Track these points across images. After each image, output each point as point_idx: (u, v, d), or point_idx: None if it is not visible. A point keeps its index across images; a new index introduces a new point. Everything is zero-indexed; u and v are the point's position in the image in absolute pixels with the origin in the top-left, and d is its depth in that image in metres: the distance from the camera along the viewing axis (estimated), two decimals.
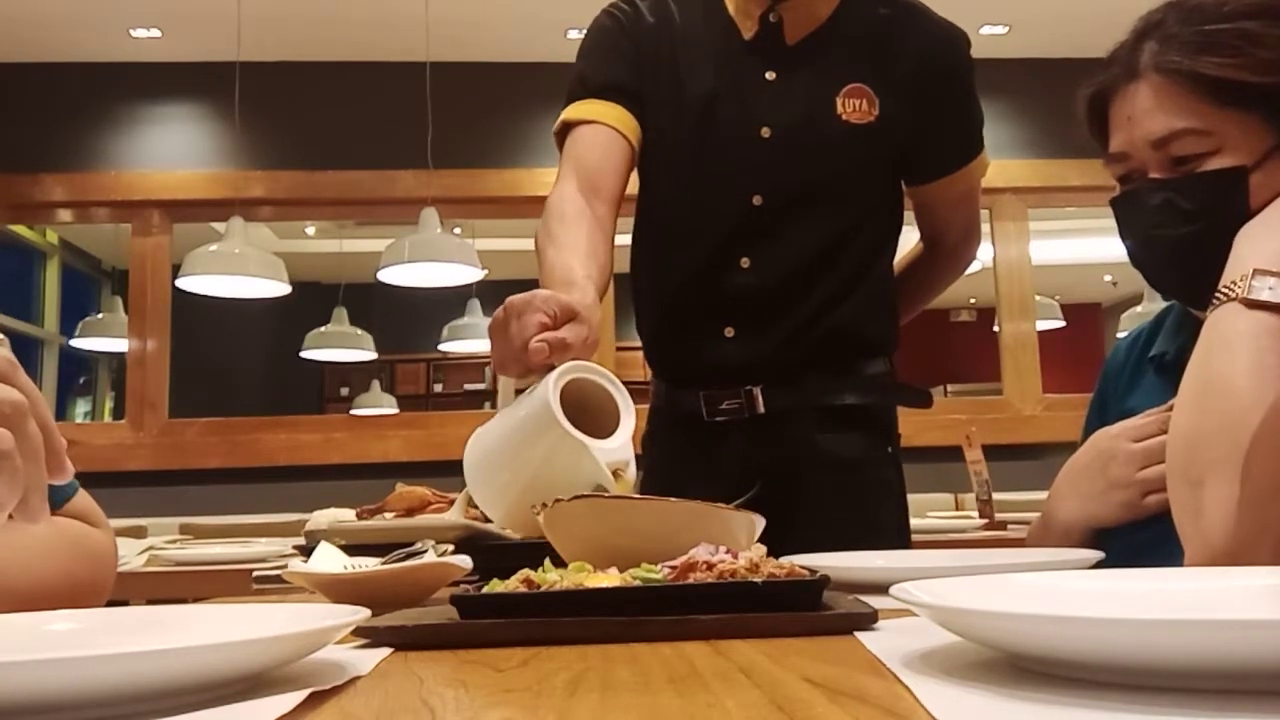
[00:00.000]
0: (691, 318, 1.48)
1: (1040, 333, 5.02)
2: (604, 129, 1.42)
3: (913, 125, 1.46)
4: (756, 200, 1.43)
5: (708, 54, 1.47)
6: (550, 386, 0.96)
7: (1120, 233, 1.05)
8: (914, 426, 1.51)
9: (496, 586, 0.74)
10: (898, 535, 1.46)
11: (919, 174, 1.53)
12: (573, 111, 1.44)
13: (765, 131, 1.43)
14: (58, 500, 1.00)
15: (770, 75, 1.45)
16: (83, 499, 1.03)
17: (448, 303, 6.13)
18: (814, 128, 1.43)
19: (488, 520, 1.19)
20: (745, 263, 1.43)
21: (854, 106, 1.44)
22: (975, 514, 3.15)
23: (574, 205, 1.35)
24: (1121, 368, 1.20)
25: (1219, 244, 0.92)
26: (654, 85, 1.46)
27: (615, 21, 1.50)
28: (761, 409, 1.42)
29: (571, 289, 1.14)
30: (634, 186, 1.50)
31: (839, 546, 1.12)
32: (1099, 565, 0.93)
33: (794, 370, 1.44)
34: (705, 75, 1.46)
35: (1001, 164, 4.99)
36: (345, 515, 1.27)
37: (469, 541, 1.10)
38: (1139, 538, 1.01)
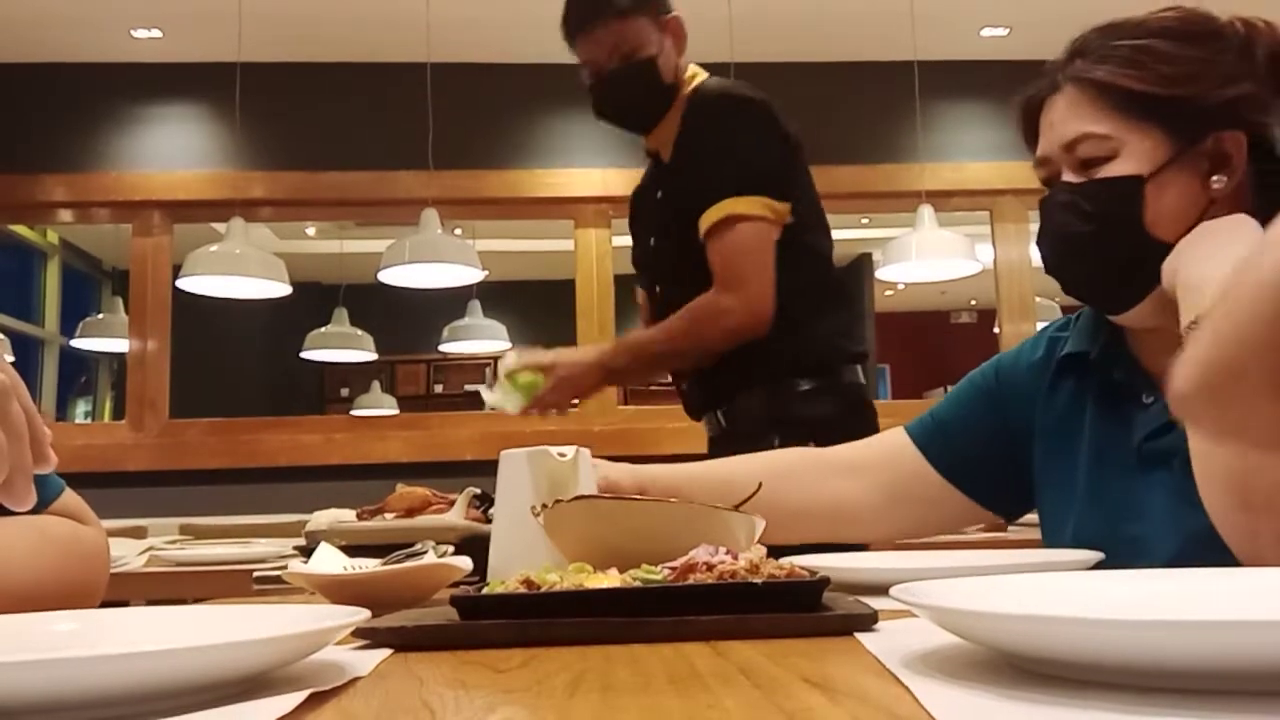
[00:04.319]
0: None
1: None
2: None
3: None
4: (659, 289, 2.03)
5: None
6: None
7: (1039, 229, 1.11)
8: None
9: (496, 587, 0.74)
10: None
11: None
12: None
13: (651, 240, 2.04)
14: (45, 499, 0.97)
15: (659, 194, 2.00)
16: (70, 497, 1.01)
17: (448, 303, 6.12)
18: (665, 222, 1.98)
19: (488, 521, 1.19)
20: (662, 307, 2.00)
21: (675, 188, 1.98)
22: None
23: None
24: (1027, 369, 1.19)
25: (1113, 245, 1.02)
26: None
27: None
28: (724, 425, 1.93)
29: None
30: None
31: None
32: (1099, 566, 0.93)
33: (740, 393, 1.92)
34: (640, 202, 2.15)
35: (1001, 165, 4.98)
36: (345, 516, 1.27)
37: (469, 542, 1.10)
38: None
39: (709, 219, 1.85)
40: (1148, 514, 1.02)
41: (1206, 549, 0.84)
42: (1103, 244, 1.02)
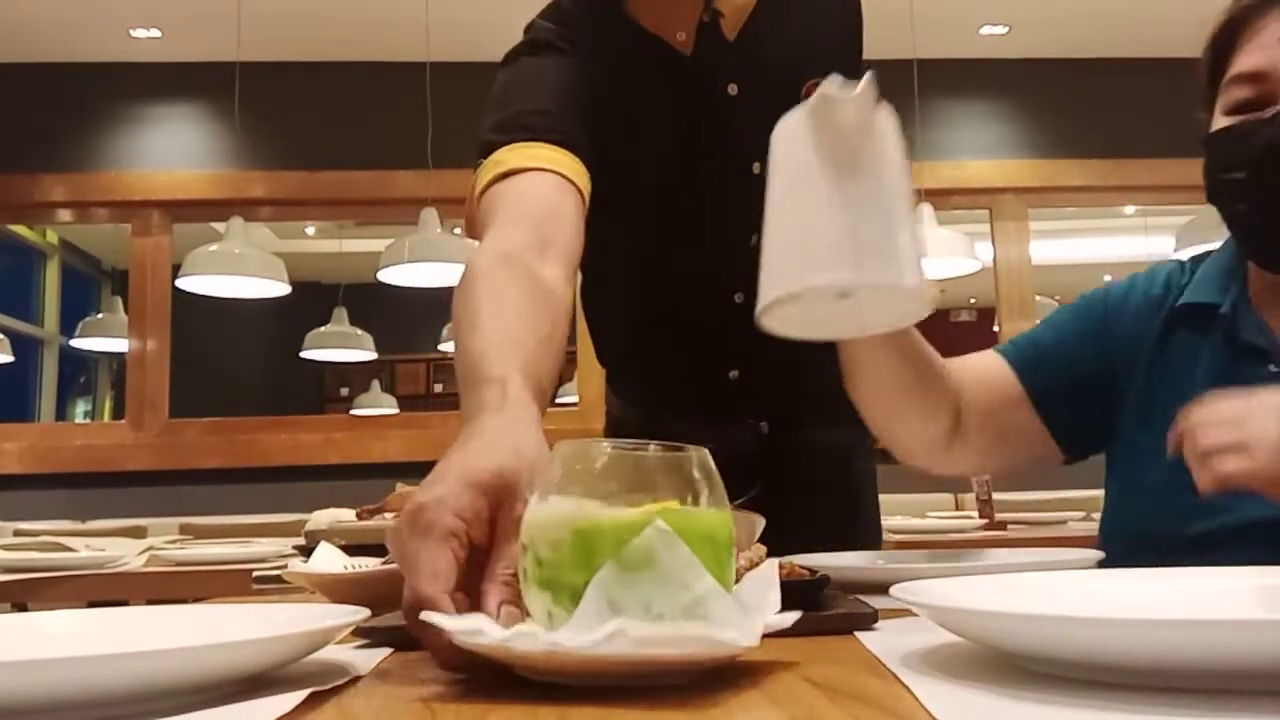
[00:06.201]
0: (692, 361, 1.37)
1: None
2: (556, 178, 1.09)
3: None
4: (755, 240, 1.29)
5: (649, 75, 1.26)
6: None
7: (1217, 167, 0.96)
8: None
9: None
10: (877, 524, 1.50)
11: None
12: (513, 157, 1.12)
13: (757, 167, 1.22)
14: None
15: (732, 89, 1.27)
16: None
17: (448, 303, 6.08)
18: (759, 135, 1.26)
19: None
20: (738, 298, 1.30)
21: None
22: (975, 514, 3.15)
23: (515, 266, 0.98)
24: (1141, 303, 1.10)
25: None
26: (607, 128, 1.20)
27: (558, 56, 1.25)
28: (766, 431, 1.37)
29: (501, 425, 0.74)
30: None
31: (829, 531, 1.13)
32: (1099, 565, 0.93)
33: (799, 401, 1.38)
34: (658, 101, 1.26)
35: (1001, 164, 4.98)
36: (345, 515, 1.27)
37: None
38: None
39: None
40: None
41: None
42: None
